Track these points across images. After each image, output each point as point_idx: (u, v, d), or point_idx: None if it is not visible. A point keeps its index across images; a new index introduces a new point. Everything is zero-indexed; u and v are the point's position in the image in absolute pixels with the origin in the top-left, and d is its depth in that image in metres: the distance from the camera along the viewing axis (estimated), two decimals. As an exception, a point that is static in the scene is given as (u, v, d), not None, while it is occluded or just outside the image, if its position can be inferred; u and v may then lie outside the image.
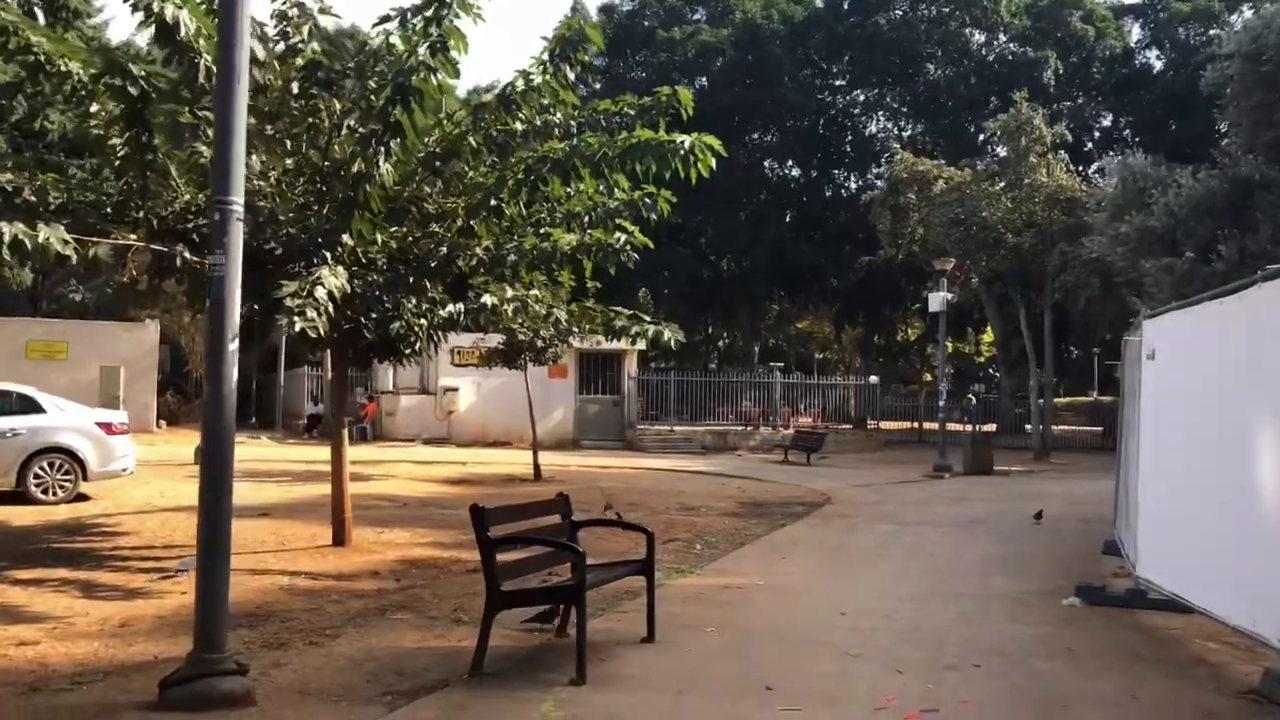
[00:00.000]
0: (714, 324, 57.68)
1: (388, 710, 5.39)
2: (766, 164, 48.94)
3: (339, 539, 11.05)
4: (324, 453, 26.38)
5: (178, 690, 5.29)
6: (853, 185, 48.70)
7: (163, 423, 32.63)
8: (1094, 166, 43.04)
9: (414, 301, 10.52)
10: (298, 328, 8.07)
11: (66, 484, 14.48)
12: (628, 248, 9.60)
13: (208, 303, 5.56)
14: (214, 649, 5.39)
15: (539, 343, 19.34)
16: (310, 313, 8.20)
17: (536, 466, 20.05)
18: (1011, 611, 8.26)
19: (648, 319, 10.27)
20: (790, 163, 49.28)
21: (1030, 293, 32.04)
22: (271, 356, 36.37)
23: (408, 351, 10.91)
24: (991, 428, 36.49)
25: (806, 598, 8.77)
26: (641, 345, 30.52)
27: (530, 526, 7.17)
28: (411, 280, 9.96)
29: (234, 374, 5.55)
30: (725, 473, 23.11)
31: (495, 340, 20.26)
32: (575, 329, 19.02)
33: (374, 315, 10.28)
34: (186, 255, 9.16)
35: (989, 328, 48.26)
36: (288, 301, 8.21)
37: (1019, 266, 30.62)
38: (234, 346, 5.53)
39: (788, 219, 46.78)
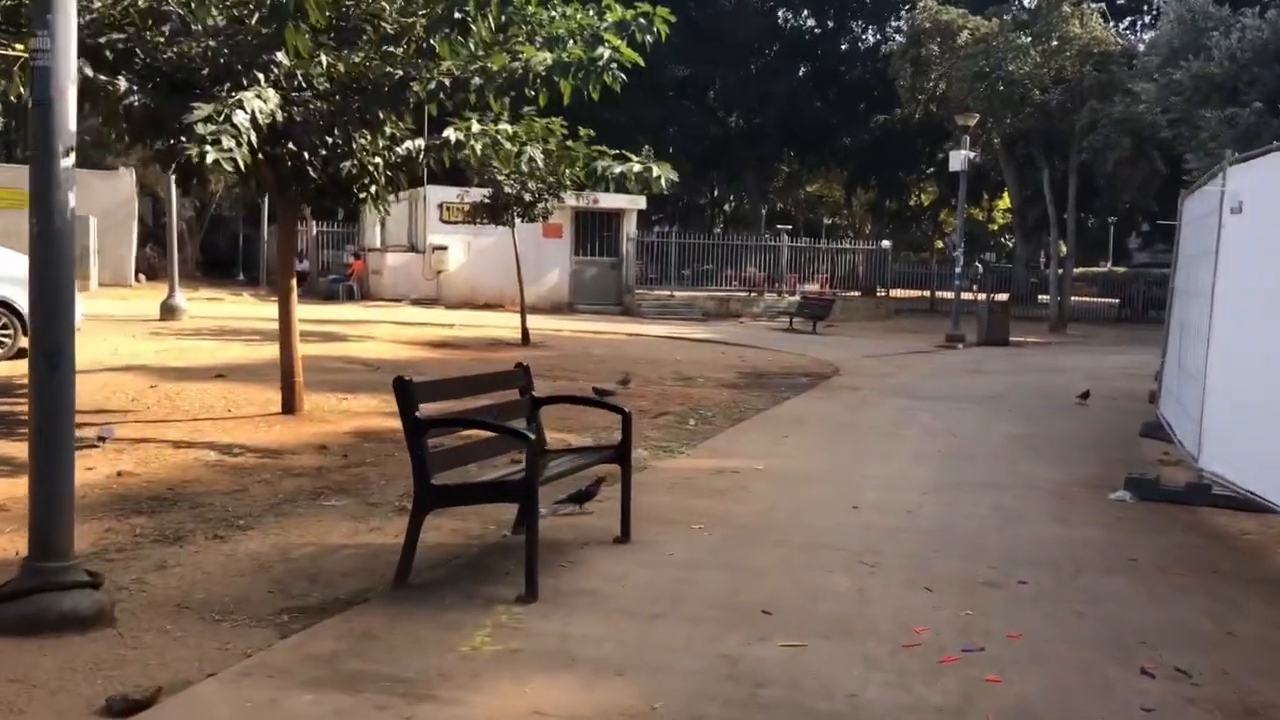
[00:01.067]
0: (720, 185, 55.74)
1: (278, 636, 4.22)
2: (780, 13, 46.27)
3: (289, 406, 9.85)
4: (305, 310, 25.15)
5: (5, 608, 4.10)
6: (870, 39, 46.17)
7: (141, 276, 31.33)
8: (1127, 21, 40.55)
9: (368, 137, 9.09)
10: (210, 158, 6.67)
11: (5, 339, 13.25)
12: (613, 66, 8.08)
13: (30, 104, 4.16)
14: (54, 556, 4.19)
15: (526, 196, 17.85)
16: (226, 141, 6.79)
17: (525, 331, 18.79)
18: (1053, 508, 7.06)
19: (636, 158, 8.80)
20: (805, 12, 46.54)
21: (1054, 155, 30.24)
22: (257, 211, 34.81)
23: (363, 196, 9.49)
24: (1003, 297, 35.12)
25: (812, 486, 7.58)
26: (641, 204, 29.01)
27: (485, 405, 5.94)
28: (360, 109, 8.48)
29: (68, 202, 4.17)
30: (727, 340, 21.88)
31: (480, 194, 18.79)
32: (553, 176, 17.70)
33: (322, 151, 8.84)
34: (88, 73, 7.65)
35: (1005, 193, 46.37)
36: (199, 127, 6.79)
37: (1045, 125, 28.75)
38: (67, 164, 4.15)
39: (801, 73, 44.48)
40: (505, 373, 6.12)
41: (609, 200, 29.21)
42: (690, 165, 48.37)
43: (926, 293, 39.37)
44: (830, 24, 46.03)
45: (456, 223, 27.10)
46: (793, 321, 26.42)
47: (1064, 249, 31.44)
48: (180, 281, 32.15)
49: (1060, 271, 30.68)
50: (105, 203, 29.69)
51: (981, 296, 33.45)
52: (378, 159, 9.19)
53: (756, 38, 42.79)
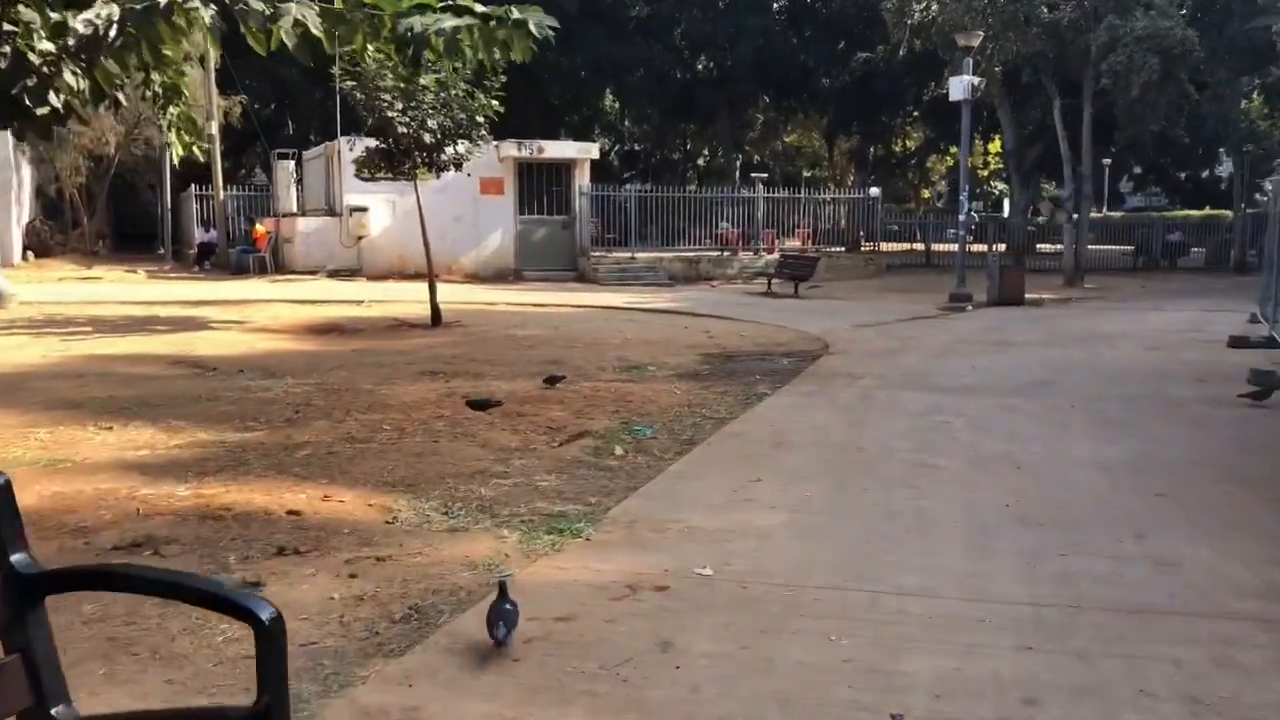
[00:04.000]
0: (692, 138, 51.78)
1: None
2: (751, -57, 42.07)
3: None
4: (192, 289, 21.22)
5: None
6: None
7: (30, 254, 27.30)
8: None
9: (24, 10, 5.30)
10: None
11: None
12: None
13: None
14: None
15: (426, 137, 14.02)
16: None
17: (434, 308, 15.02)
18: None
19: (481, 7, 5.04)
20: (778, -58, 42.39)
21: (1064, 83, 26.46)
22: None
23: (43, 112, 5.68)
24: (1001, 248, 31.53)
25: (798, 635, 3.89)
26: (594, 153, 25.10)
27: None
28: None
29: None
30: (693, 310, 18.19)
31: (372, 142, 14.99)
32: (464, 112, 13.92)
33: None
34: None
35: (998, 136, 42.64)
36: None
37: (1055, 48, 24.94)
38: None
39: (774, 8, 40.43)
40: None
41: (556, 149, 25.42)
42: (659, 113, 44.50)
43: (919, 246, 35.67)
44: (805, -48, 41.90)
45: (378, 179, 23.13)
46: (771, 284, 22.76)
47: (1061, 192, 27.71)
48: (73, 258, 28.34)
49: (1075, 217, 26.95)
50: (-28, 170, 25.61)
51: (981, 248, 29.89)
52: (48, 45, 5.39)
53: (725, -32, 38.77)
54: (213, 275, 24.96)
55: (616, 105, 46.59)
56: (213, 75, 26.39)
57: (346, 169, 23.64)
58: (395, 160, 14.65)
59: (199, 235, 27.77)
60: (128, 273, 24.86)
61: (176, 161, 7.26)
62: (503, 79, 14.58)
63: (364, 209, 23.60)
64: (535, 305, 18.63)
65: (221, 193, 26.79)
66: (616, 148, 52.43)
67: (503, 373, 10.77)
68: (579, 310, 18.05)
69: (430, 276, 15.34)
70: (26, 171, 28.90)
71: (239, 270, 24.74)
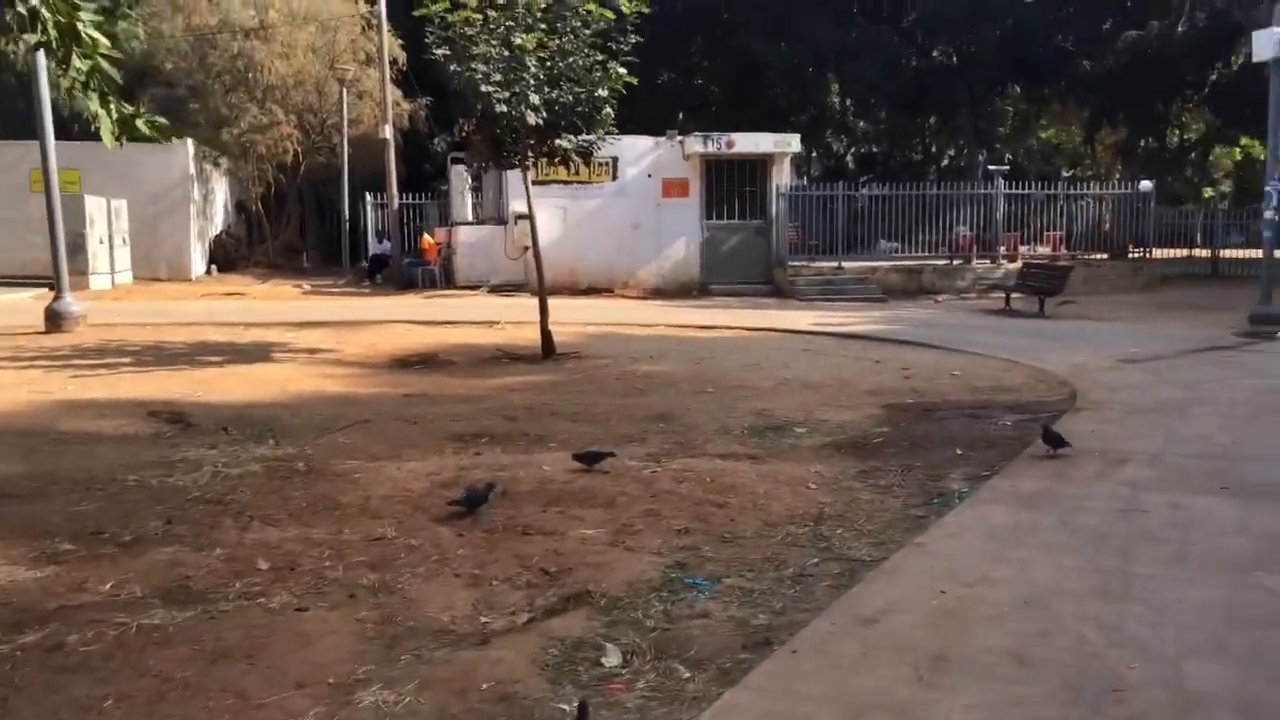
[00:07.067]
0: (934, 136, 46.72)
1: None
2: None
3: None
4: (324, 307, 18.42)
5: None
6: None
7: (213, 268, 26.26)
8: None
9: None
10: None
11: None
12: None
13: None
14: None
15: (531, 118, 10.83)
16: None
17: (545, 336, 11.88)
18: None
19: None
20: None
21: None
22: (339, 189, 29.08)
23: None
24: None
25: None
26: (794, 145, 21.22)
27: None
28: None
29: None
30: (897, 335, 14.24)
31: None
32: (582, 86, 10.82)
33: None
34: None
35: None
36: None
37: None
38: None
39: (1024, -18, 35.17)
40: None
41: (748, 143, 21.79)
42: (889, 106, 39.92)
43: (1202, 253, 29.50)
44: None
45: (548, 183, 20.45)
46: (1010, 299, 18.36)
47: None
48: (256, 272, 27.25)
49: None
50: (157, 182, 24.63)
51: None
52: None
53: (966, -61, 33.92)
54: (381, 290, 22.95)
55: (847, 102, 42.40)
56: (386, 73, 24.56)
57: (511, 173, 21.12)
58: (496, 148, 11.63)
59: (373, 247, 26.00)
60: (294, 287, 23.23)
61: (109, 143, 4.58)
62: (635, 39, 11.33)
63: (527, 216, 20.86)
64: (698, 328, 15.16)
65: (396, 200, 24.79)
66: (852, 150, 48.14)
67: (580, 435, 7.47)
68: (748, 335, 14.44)
69: (541, 296, 12.23)
70: (219, 184, 28.09)
71: (406, 285, 22.66)
